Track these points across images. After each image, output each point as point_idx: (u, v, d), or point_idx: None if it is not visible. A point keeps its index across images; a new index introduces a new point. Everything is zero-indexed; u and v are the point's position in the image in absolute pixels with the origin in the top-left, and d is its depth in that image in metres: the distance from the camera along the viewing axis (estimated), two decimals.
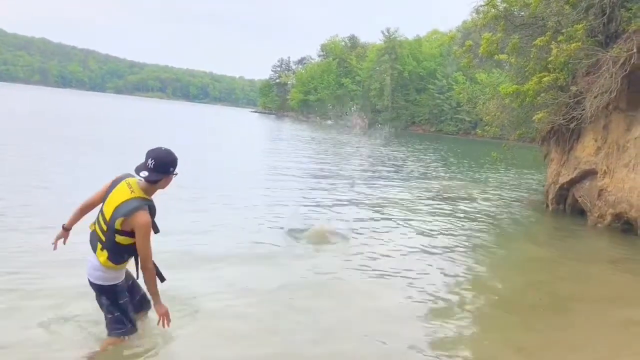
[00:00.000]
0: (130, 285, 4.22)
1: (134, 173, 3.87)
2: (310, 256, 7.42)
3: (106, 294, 3.93)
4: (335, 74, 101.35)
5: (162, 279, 4.07)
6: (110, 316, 3.96)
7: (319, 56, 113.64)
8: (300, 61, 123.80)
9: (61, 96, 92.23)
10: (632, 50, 9.80)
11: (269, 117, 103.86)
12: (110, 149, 18.37)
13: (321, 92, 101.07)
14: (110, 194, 3.84)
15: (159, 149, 3.88)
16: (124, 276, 4.06)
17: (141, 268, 3.87)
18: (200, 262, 6.51)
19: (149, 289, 3.97)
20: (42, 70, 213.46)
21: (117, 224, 3.70)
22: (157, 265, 3.99)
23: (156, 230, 3.99)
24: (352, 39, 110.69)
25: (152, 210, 3.89)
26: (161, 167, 3.80)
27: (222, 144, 28.95)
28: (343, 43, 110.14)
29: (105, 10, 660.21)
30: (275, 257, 7.17)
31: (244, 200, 10.95)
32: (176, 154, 3.95)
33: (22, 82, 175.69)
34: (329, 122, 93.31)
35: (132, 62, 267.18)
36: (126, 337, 4.02)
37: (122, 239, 3.76)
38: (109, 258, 3.81)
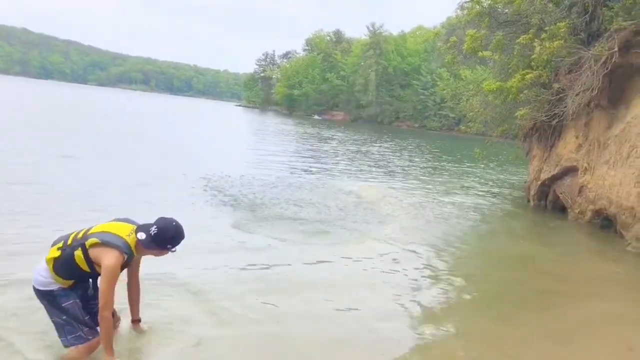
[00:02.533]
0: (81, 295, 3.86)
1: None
2: (295, 250, 7.42)
3: (46, 299, 3.69)
4: (320, 68, 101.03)
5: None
6: (58, 320, 3.68)
7: (304, 50, 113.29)
8: (285, 55, 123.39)
9: (42, 88, 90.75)
10: (614, 48, 9.91)
11: (253, 111, 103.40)
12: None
13: (306, 86, 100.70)
14: (115, 222, 3.79)
15: (169, 221, 3.78)
16: (64, 286, 3.70)
17: (99, 315, 3.58)
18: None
19: (102, 339, 3.64)
20: (23, 61, 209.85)
21: (89, 242, 3.56)
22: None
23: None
24: (337, 33, 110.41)
25: (129, 259, 3.69)
26: (161, 239, 3.71)
27: (210, 139, 28.77)
28: (328, 38, 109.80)
29: (88, 1, 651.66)
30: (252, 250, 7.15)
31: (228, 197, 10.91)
32: (183, 233, 3.81)
33: (2, 72, 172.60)
34: (316, 117, 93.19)
35: (115, 54, 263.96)
36: (87, 344, 3.70)
37: (79, 257, 3.57)
38: (55, 260, 3.61)
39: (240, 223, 8.70)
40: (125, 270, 3.88)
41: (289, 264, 6.80)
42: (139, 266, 4.09)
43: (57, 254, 3.61)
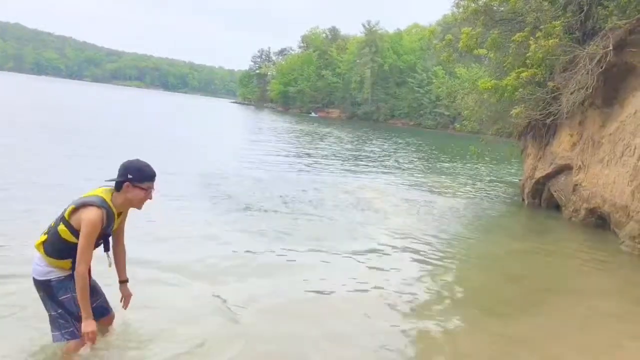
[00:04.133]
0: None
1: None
2: (293, 249, 7.42)
3: (43, 289, 3.64)
4: (316, 65, 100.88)
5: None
6: (53, 314, 3.63)
7: (300, 47, 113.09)
8: (281, 52, 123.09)
9: (37, 84, 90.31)
10: (609, 47, 9.94)
11: (248, 108, 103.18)
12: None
13: (301, 83, 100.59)
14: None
15: (132, 159, 3.73)
16: (61, 275, 3.66)
17: (75, 271, 3.48)
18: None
19: (78, 297, 3.52)
20: (16, 56, 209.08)
21: (67, 212, 3.52)
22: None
23: (106, 248, 3.78)
24: (333, 31, 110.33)
25: (109, 219, 3.61)
26: (124, 171, 3.63)
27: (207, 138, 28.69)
28: (324, 35, 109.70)
29: None
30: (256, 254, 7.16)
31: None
32: (141, 164, 3.70)
33: None
34: (312, 114, 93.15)
35: (110, 50, 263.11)
36: (78, 340, 3.63)
37: (63, 231, 3.52)
38: (44, 243, 3.57)
39: (235, 220, 8.69)
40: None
41: (285, 262, 6.81)
42: (123, 229, 4.02)
43: (44, 237, 3.60)
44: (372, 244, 8.12)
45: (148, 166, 3.73)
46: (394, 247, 8.10)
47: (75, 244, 3.52)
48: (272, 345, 4.52)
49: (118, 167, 3.67)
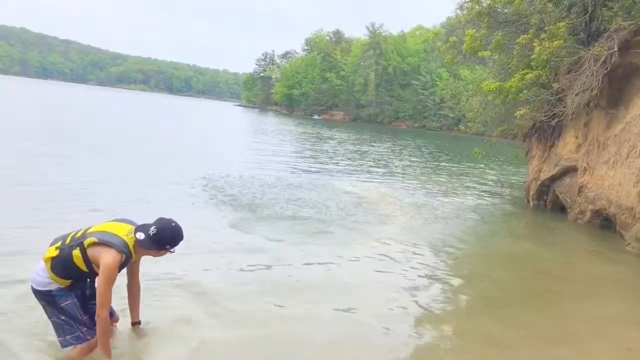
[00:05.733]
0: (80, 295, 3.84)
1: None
2: (293, 250, 7.42)
3: (44, 299, 3.67)
4: (320, 68, 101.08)
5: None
6: (57, 320, 3.65)
7: (304, 50, 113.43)
8: (285, 55, 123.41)
9: (41, 87, 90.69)
10: (613, 48, 9.91)
11: (252, 110, 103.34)
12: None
13: (305, 86, 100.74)
14: (113, 222, 3.79)
15: (168, 222, 3.78)
16: (62, 285, 3.67)
17: (96, 315, 3.55)
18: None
19: (98, 340, 3.61)
20: (22, 60, 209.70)
21: (87, 242, 3.54)
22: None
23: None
24: (337, 33, 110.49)
25: (125, 263, 3.68)
26: (159, 240, 3.70)
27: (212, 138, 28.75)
28: (328, 37, 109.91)
29: (87, 1, 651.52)
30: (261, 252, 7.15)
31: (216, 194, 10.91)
32: (182, 234, 3.81)
33: (2, 72, 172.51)
34: (315, 116, 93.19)
35: (114, 54, 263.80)
36: (86, 344, 3.68)
37: (77, 256, 3.55)
38: (53, 259, 3.58)
39: (239, 223, 8.69)
40: (124, 271, 3.87)
41: (289, 265, 6.79)
42: (138, 267, 4.07)
43: (55, 253, 3.59)
44: (376, 245, 8.10)
45: (181, 233, 3.82)
46: (397, 248, 8.07)
47: (85, 272, 3.59)
48: (279, 345, 4.51)
49: (155, 221, 3.78)
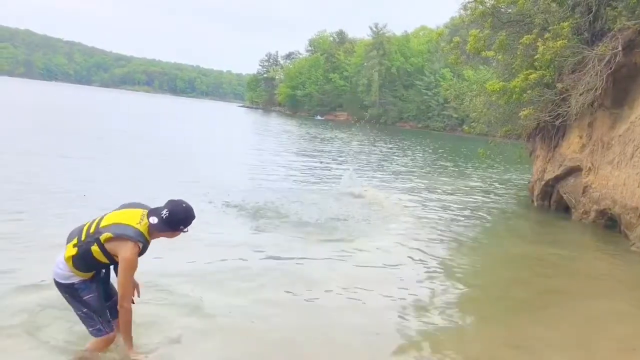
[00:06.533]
0: (101, 288, 3.93)
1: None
2: (300, 248, 7.45)
3: (67, 292, 3.75)
4: (323, 69, 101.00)
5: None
6: (79, 313, 3.75)
7: (307, 51, 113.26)
8: (288, 56, 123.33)
9: (46, 89, 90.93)
10: (617, 48, 9.89)
11: (256, 111, 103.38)
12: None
13: (309, 87, 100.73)
14: (123, 209, 3.82)
15: (178, 203, 3.81)
16: (84, 278, 3.76)
17: (118, 306, 3.68)
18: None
19: (121, 330, 3.73)
20: (26, 62, 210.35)
21: (104, 237, 3.58)
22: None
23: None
24: (340, 34, 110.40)
25: (143, 250, 3.74)
26: (173, 222, 3.73)
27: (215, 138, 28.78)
28: (331, 38, 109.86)
29: (91, 2, 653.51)
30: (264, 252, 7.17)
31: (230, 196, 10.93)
32: (194, 213, 3.86)
33: (7, 74, 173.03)
34: (318, 117, 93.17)
35: (118, 55, 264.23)
36: (105, 337, 3.78)
37: (97, 252, 3.61)
38: (74, 257, 3.64)
39: (242, 222, 8.71)
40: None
41: (292, 262, 6.84)
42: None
43: (74, 251, 3.65)
44: (380, 245, 8.11)
45: (192, 212, 3.86)
46: (402, 248, 8.09)
47: (106, 263, 3.68)
48: (284, 343, 4.54)
49: (166, 203, 3.80)
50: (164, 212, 3.71)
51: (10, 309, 4.58)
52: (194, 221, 3.84)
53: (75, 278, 3.70)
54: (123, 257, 3.56)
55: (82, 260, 3.65)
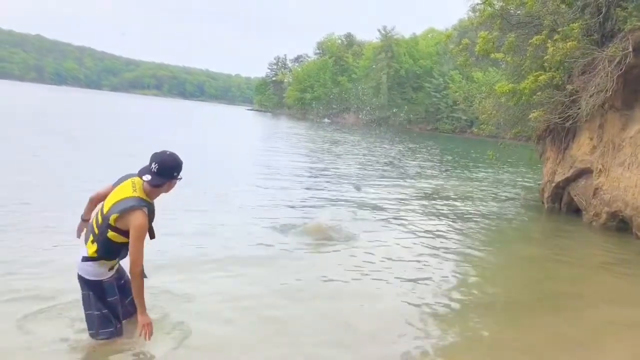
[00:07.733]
0: (122, 285, 4.11)
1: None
2: (306, 257, 7.41)
3: (92, 289, 3.84)
4: (332, 72, 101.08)
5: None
6: (97, 313, 3.84)
7: (316, 54, 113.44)
8: (297, 59, 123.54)
9: (59, 94, 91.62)
10: (628, 49, 9.83)
11: (265, 115, 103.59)
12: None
13: (317, 90, 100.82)
14: (114, 190, 3.86)
15: (163, 153, 3.85)
16: (112, 274, 3.96)
17: (129, 272, 3.74)
18: (194, 264, 6.47)
19: (134, 296, 3.80)
20: (37, 67, 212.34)
21: (112, 220, 3.67)
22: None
23: (152, 236, 3.90)
24: (349, 37, 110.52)
25: (151, 214, 3.82)
26: (165, 171, 3.78)
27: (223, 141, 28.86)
28: (339, 41, 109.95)
29: (100, 7, 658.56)
30: (272, 258, 7.14)
31: (239, 200, 10.94)
32: (180, 158, 3.92)
33: (17, 79, 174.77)
34: (326, 120, 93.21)
35: (128, 60, 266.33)
36: (111, 340, 3.89)
37: (114, 236, 3.72)
38: (97, 251, 3.76)
39: (246, 223, 8.73)
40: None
41: (295, 263, 6.85)
42: None
43: (95, 247, 3.77)
44: (390, 247, 8.09)
45: (179, 158, 3.93)
46: (411, 250, 8.07)
47: (125, 243, 3.75)
48: (289, 342, 4.53)
49: (150, 158, 3.82)
50: (154, 166, 3.76)
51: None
52: None
53: (104, 276, 3.85)
54: (136, 226, 3.64)
55: (105, 250, 3.76)
